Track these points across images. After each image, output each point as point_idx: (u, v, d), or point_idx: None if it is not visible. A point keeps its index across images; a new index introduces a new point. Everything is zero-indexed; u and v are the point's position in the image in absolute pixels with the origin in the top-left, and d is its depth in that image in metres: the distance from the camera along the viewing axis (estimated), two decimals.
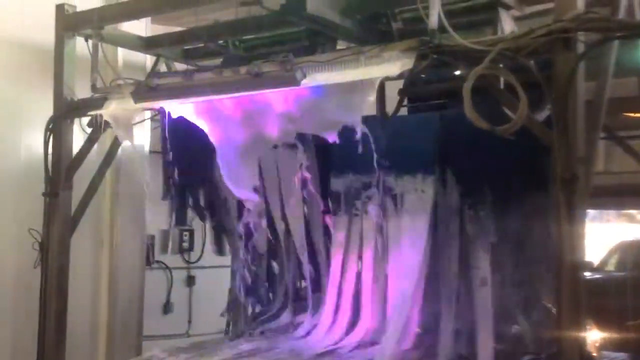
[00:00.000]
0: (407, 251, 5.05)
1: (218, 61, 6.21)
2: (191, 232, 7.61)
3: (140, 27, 6.47)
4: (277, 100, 4.98)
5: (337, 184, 5.49)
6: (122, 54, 6.62)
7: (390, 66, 4.32)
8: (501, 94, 4.12)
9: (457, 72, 4.41)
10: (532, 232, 4.89)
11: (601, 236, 10.02)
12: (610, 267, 9.33)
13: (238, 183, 5.42)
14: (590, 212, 4.17)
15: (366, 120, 4.62)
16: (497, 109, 4.07)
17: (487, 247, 4.89)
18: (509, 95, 4.05)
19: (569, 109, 3.82)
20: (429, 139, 5.11)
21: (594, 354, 5.22)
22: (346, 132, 5.33)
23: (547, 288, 4.86)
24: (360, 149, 5.01)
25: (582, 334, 3.75)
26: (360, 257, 5.37)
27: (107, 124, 5.95)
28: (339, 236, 5.49)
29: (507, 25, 4.61)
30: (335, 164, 5.55)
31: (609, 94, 4.22)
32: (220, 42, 5.96)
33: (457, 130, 4.87)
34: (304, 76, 4.63)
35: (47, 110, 5.90)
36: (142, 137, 6.71)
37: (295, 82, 4.62)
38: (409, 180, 5.11)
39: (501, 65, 4.02)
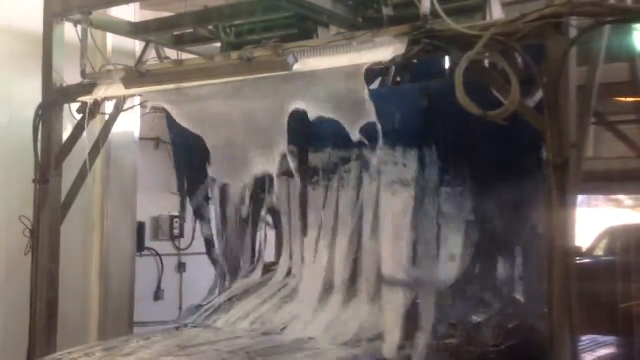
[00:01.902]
0: (388, 224, 5.03)
1: (210, 47, 6.20)
2: (181, 219, 7.58)
3: (129, 12, 6.43)
4: None
5: (315, 158, 5.47)
6: (112, 39, 6.59)
7: (382, 51, 4.33)
8: (492, 80, 4.13)
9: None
10: (508, 216, 4.90)
11: (590, 221, 10.08)
12: (599, 251, 9.39)
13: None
14: (579, 197, 4.18)
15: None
16: (486, 91, 4.07)
17: (461, 226, 4.90)
18: (500, 81, 4.06)
19: (560, 93, 3.84)
20: (412, 111, 5.07)
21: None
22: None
23: (517, 274, 4.88)
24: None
25: (573, 320, 3.77)
26: (336, 232, 5.35)
27: (97, 109, 5.98)
28: (316, 210, 5.47)
29: (496, 11, 4.62)
30: (313, 138, 5.52)
31: (600, 79, 4.24)
32: (210, 27, 5.93)
33: (441, 104, 4.83)
34: (296, 61, 4.62)
35: (36, 96, 5.85)
36: (132, 123, 6.67)
37: (286, 67, 4.61)
38: (389, 154, 5.07)
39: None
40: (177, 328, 5.33)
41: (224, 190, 5.93)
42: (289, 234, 5.67)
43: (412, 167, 4.98)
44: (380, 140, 4.48)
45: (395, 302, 4.81)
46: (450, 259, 4.92)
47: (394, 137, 5.00)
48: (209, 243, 6.12)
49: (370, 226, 5.15)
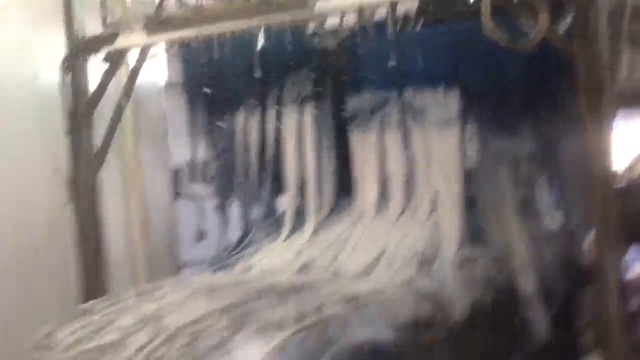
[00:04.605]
0: (438, 165, 5.05)
1: None
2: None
3: None
4: None
5: (353, 103, 5.46)
6: None
7: None
8: (517, 8, 4.09)
9: None
10: (548, 151, 4.93)
11: (629, 143, 9.95)
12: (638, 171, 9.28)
13: None
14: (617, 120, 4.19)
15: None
16: (512, 26, 4.05)
17: (505, 163, 4.93)
18: (526, 9, 4.02)
19: (591, 16, 3.80)
20: (446, 51, 5.03)
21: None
22: (357, 50, 5.39)
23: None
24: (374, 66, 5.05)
25: (619, 250, 3.84)
26: (383, 177, 5.38)
27: (122, 58, 6.02)
28: (358, 151, 5.47)
29: None
30: (350, 84, 5.51)
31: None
32: None
33: (469, 42, 4.83)
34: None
35: (61, 49, 5.89)
36: (158, 70, 6.70)
37: (308, 8, 4.60)
38: (429, 95, 5.06)
39: None
40: (214, 270, 5.46)
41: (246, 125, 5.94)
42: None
43: (454, 106, 4.96)
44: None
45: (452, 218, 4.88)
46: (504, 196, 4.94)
47: (433, 78, 5.00)
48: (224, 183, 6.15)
49: (422, 165, 5.15)
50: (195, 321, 4.06)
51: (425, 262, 4.74)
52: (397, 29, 5.23)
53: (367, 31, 5.17)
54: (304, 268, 5.08)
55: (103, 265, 5.84)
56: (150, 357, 3.86)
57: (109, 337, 4.14)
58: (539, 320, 4.74)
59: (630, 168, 8.81)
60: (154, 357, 3.85)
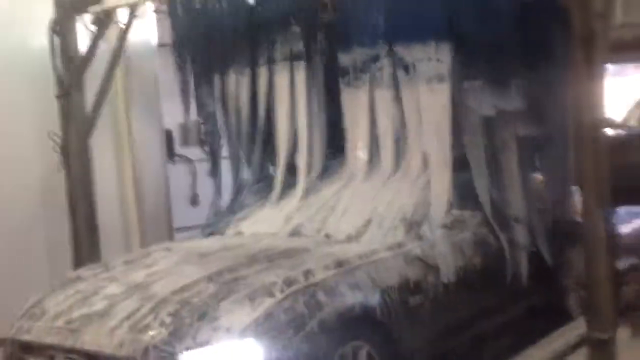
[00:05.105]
0: (431, 121, 4.92)
1: None
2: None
3: None
4: None
5: (345, 58, 5.31)
6: None
7: None
8: None
9: None
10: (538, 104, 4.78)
11: (624, 91, 9.77)
12: (634, 121, 9.14)
13: None
14: (611, 67, 4.06)
15: None
16: None
17: (500, 118, 4.80)
18: None
19: None
20: (437, 2, 4.86)
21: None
22: (350, 4, 5.23)
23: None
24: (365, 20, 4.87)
25: (605, 194, 3.72)
26: (375, 132, 5.23)
27: (110, 19, 5.90)
28: (350, 109, 5.34)
29: None
30: (341, 38, 5.34)
31: None
32: None
33: None
34: None
35: (49, 10, 5.80)
36: (149, 30, 6.58)
37: None
38: (420, 49, 4.89)
39: None
40: (205, 235, 5.40)
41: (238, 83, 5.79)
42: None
43: (446, 61, 4.80)
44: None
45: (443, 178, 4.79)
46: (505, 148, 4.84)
47: (423, 32, 4.84)
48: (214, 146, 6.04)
49: (413, 123, 5.02)
50: (183, 288, 4.00)
51: (415, 224, 4.64)
52: None
53: None
54: (295, 232, 5.00)
55: (95, 231, 5.81)
56: (135, 326, 3.81)
57: (97, 305, 4.08)
58: (528, 280, 4.68)
59: (626, 120, 8.68)
60: (139, 326, 3.80)
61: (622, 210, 5.50)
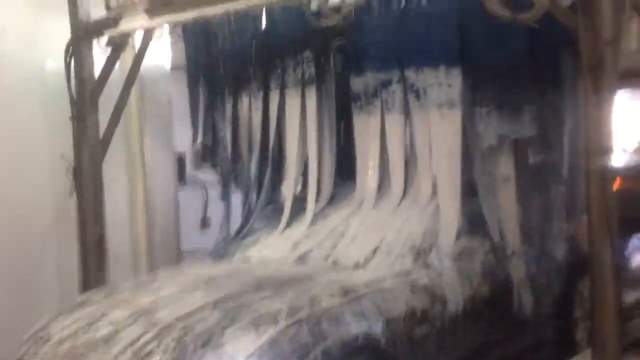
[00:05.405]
0: (441, 147, 4.90)
1: None
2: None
3: None
4: None
5: (357, 83, 5.31)
6: None
7: None
8: None
9: None
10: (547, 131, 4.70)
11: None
12: None
13: None
14: (628, 94, 3.99)
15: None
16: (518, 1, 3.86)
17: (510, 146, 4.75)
18: None
19: None
20: (449, 28, 4.85)
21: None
22: (360, 28, 5.21)
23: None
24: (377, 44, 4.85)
25: (613, 224, 3.64)
26: (385, 156, 5.23)
27: (125, 42, 5.93)
28: (361, 134, 5.33)
29: None
30: (353, 63, 5.36)
31: None
32: None
33: (474, 18, 4.63)
34: None
35: (66, 34, 5.82)
36: (163, 53, 6.61)
37: None
38: (432, 74, 4.88)
39: None
40: (213, 260, 5.37)
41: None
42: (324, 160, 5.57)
43: (456, 86, 4.78)
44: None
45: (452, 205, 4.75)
46: (505, 181, 4.77)
47: (435, 57, 4.84)
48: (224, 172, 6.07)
49: (423, 149, 5.00)
50: (189, 314, 3.98)
51: (423, 252, 4.60)
52: (401, 4, 5.08)
53: (369, 8, 5.03)
54: (302, 258, 4.97)
55: (104, 254, 5.80)
56: (139, 352, 3.78)
57: (102, 331, 4.08)
58: (535, 311, 4.60)
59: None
60: (143, 353, 3.78)
61: (635, 240, 5.38)
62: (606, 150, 3.67)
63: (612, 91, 3.68)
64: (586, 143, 3.75)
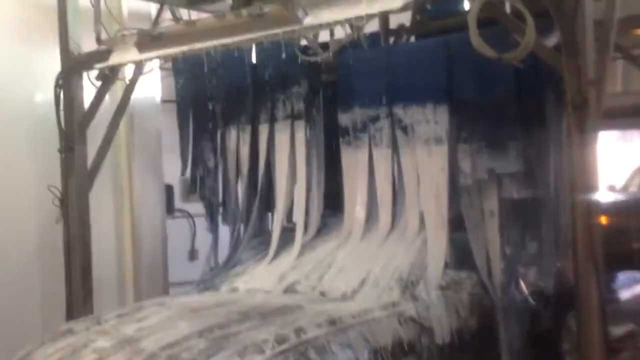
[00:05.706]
0: (429, 183, 4.97)
1: (226, 4, 6.12)
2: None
3: None
4: None
5: (345, 118, 5.39)
6: (127, 3, 6.54)
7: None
8: (508, 21, 4.01)
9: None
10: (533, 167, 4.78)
11: (626, 157, 9.78)
12: (634, 187, 9.14)
13: None
14: (614, 133, 4.09)
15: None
16: (505, 40, 3.95)
17: (495, 181, 4.80)
18: (517, 22, 3.93)
19: (577, 30, 3.72)
20: (436, 66, 4.96)
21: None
22: (351, 65, 5.31)
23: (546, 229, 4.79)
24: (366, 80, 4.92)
25: (598, 262, 3.70)
26: (373, 191, 5.30)
27: (115, 75, 5.98)
28: (349, 168, 5.40)
29: None
30: (342, 98, 5.46)
31: (619, 13, 4.08)
32: None
33: (461, 57, 4.75)
34: (306, 14, 4.52)
35: (55, 65, 5.86)
36: (153, 86, 6.67)
37: (297, 21, 4.53)
38: (419, 111, 4.98)
39: None
40: (200, 290, 5.38)
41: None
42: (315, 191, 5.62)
43: (443, 123, 4.88)
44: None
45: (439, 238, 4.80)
46: (491, 216, 4.82)
47: (422, 94, 4.93)
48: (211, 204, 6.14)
49: (410, 183, 5.07)
50: (174, 343, 3.97)
51: (410, 284, 4.63)
52: (389, 41, 5.17)
53: (358, 44, 5.13)
54: (290, 289, 4.98)
55: (90, 283, 5.76)
56: None
57: (85, 359, 4.05)
58: (522, 344, 4.61)
59: (626, 185, 8.67)
60: None
61: (622, 275, 5.45)
62: (591, 188, 3.74)
63: (596, 130, 3.77)
64: (571, 180, 3.81)
